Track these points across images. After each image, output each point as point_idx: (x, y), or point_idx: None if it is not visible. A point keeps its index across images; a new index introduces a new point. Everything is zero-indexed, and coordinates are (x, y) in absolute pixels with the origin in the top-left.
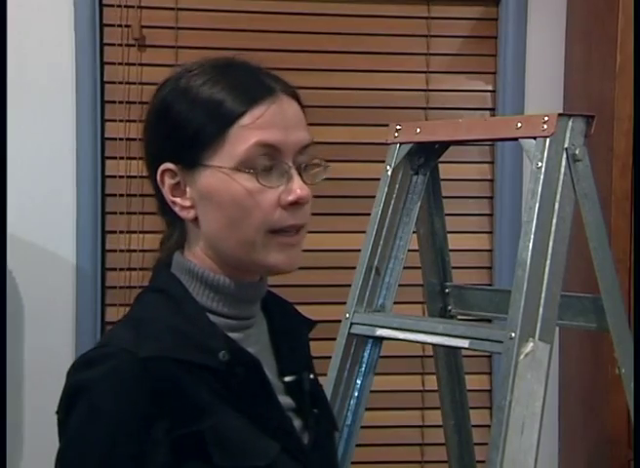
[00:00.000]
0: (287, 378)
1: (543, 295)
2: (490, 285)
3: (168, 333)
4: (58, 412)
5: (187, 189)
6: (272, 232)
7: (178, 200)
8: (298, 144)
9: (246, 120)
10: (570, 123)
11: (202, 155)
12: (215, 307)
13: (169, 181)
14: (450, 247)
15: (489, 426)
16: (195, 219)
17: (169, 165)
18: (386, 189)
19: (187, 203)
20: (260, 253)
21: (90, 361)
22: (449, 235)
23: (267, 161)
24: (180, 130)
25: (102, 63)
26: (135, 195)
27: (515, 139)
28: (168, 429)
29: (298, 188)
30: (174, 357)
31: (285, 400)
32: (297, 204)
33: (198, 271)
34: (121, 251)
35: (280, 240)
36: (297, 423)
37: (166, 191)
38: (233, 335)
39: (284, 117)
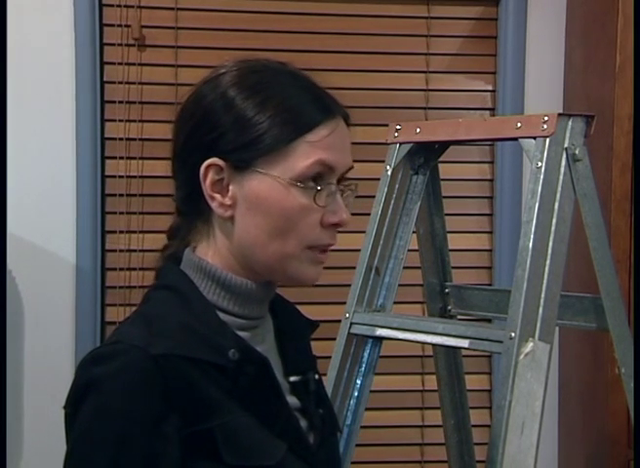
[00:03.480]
0: (292, 378)
1: (543, 295)
2: (490, 285)
3: (178, 331)
4: (65, 407)
5: (231, 187)
6: (308, 247)
7: (217, 196)
8: (346, 168)
9: (312, 137)
10: (570, 123)
11: (258, 161)
12: (225, 306)
13: (213, 177)
14: (450, 247)
15: (489, 426)
16: (230, 218)
17: (217, 161)
18: (386, 189)
19: (228, 202)
20: (294, 265)
21: (101, 357)
22: (449, 235)
23: (320, 180)
24: (241, 129)
25: (102, 63)
26: (134, 195)
27: (515, 139)
28: (179, 426)
29: (343, 212)
30: (185, 354)
31: (291, 399)
32: (337, 225)
33: (211, 269)
34: (121, 250)
35: (314, 255)
36: (302, 423)
37: (207, 186)
38: (242, 334)
39: (342, 140)
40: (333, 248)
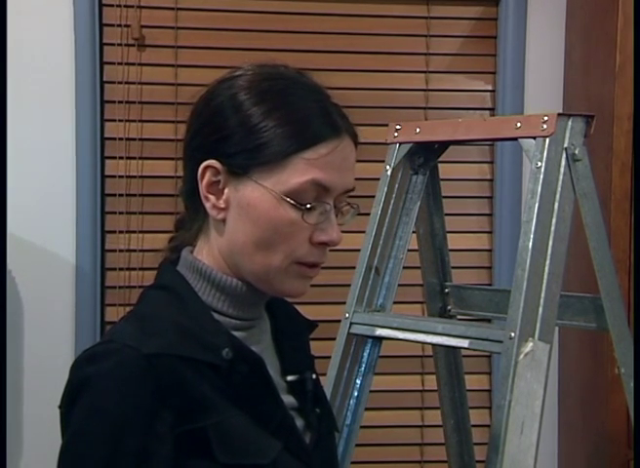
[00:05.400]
0: (290, 377)
1: (543, 295)
2: (489, 285)
3: (172, 330)
4: (60, 407)
5: (225, 191)
6: (296, 263)
7: (212, 198)
8: (345, 188)
9: (310, 154)
10: (569, 123)
11: (254, 169)
12: (220, 307)
13: (209, 178)
14: (449, 246)
15: (488, 426)
16: (222, 221)
17: (215, 163)
18: (386, 189)
19: (222, 204)
20: (279, 277)
21: (94, 356)
22: (448, 235)
23: (313, 197)
24: (243, 135)
25: (102, 63)
26: (134, 195)
27: (515, 139)
28: (171, 425)
29: (334, 232)
30: (177, 353)
31: (287, 399)
32: (326, 244)
33: (206, 270)
34: (120, 250)
35: (300, 270)
36: (299, 422)
37: (203, 186)
38: (237, 334)
39: (343, 160)
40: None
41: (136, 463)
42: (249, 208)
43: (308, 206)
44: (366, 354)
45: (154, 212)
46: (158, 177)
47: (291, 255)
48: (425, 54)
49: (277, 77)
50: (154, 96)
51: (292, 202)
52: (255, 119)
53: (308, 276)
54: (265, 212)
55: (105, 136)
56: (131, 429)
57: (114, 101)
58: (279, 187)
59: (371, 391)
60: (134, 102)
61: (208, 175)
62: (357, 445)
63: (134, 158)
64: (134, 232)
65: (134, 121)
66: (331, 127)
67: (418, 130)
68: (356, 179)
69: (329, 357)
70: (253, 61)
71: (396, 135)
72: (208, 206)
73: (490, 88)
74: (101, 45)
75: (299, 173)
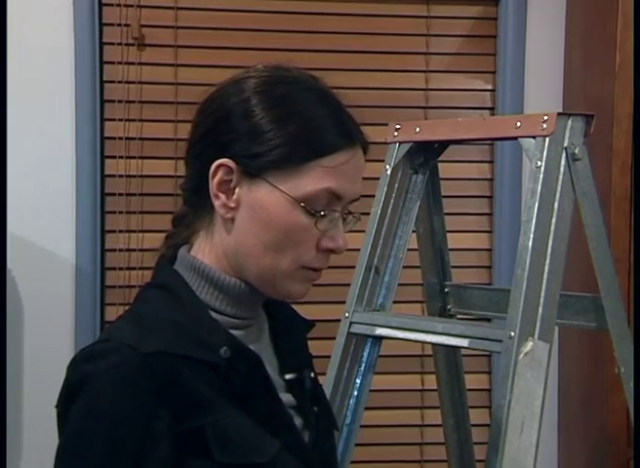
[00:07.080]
0: (288, 376)
1: (543, 295)
2: (489, 284)
3: (169, 329)
4: (57, 406)
5: (237, 190)
6: (302, 267)
7: (222, 197)
8: (354, 197)
9: (328, 162)
10: (569, 122)
11: (270, 172)
12: (218, 306)
13: (221, 176)
14: (449, 246)
15: (488, 425)
16: (231, 220)
17: (229, 162)
18: (386, 189)
19: (232, 204)
20: (284, 280)
21: (91, 355)
22: (448, 234)
23: (324, 205)
24: (255, 139)
25: (102, 63)
26: (134, 194)
27: (515, 139)
28: (169, 424)
29: (341, 239)
30: (175, 352)
31: (286, 397)
32: (332, 251)
33: (205, 269)
34: (120, 250)
35: (305, 274)
36: (297, 421)
37: (214, 184)
38: (235, 333)
39: (356, 170)
40: None
41: (133, 462)
42: (262, 210)
43: (322, 213)
44: (366, 353)
45: (154, 211)
46: (158, 177)
47: (298, 260)
48: (425, 53)
49: (292, 81)
50: (154, 95)
51: (306, 208)
52: (267, 124)
53: (311, 279)
54: (279, 215)
55: (105, 135)
56: (128, 428)
57: (114, 101)
58: (294, 192)
59: (371, 390)
60: (134, 102)
61: (220, 173)
62: (357, 444)
63: (134, 157)
64: (134, 231)
65: (133, 120)
66: (347, 136)
67: (417, 129)
68: None
69: (329, 356)
70: (265, 62)
71: (396, 134)
72: (217, 204)
73: (490, 87)
74: (101, 44)
75: (315, 180)
